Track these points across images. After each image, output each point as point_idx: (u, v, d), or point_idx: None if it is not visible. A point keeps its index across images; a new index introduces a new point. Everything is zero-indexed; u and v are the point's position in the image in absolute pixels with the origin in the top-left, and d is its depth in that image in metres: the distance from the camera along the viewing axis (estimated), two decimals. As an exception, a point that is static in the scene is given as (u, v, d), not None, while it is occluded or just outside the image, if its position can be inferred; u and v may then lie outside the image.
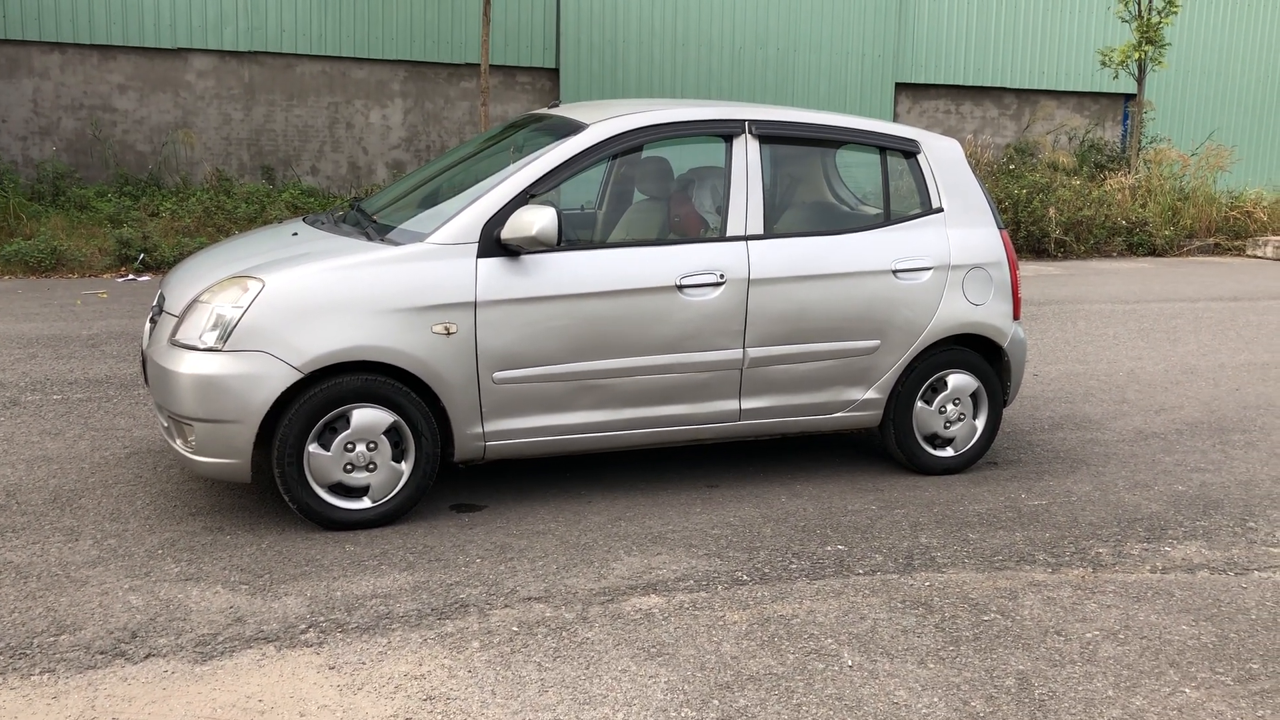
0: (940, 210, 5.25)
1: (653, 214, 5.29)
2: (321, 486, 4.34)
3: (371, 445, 4.35)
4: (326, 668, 3.34)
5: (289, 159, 14.78)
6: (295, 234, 4.87)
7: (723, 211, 4.92)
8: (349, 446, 4.33)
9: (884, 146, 5.27)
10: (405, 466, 4.44)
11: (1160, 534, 4.67)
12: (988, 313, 5.28)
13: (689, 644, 3.55)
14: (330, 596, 3.81)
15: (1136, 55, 15.83)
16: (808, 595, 3.96)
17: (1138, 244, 14.82)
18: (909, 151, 5.29)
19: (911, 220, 5.21)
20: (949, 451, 5.37)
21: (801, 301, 4.91)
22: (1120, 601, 3.98)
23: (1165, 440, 6.10)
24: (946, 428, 5.32)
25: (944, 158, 5.34)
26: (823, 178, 5.56)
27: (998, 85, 18.24)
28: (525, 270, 4.50)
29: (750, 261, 4.82)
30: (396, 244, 4.47)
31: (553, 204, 4.56)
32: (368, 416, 4.33)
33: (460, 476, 5.04)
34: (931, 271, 5.15)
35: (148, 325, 4.71)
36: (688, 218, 5.15)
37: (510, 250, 4.47)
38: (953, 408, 5.31)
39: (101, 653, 3.38)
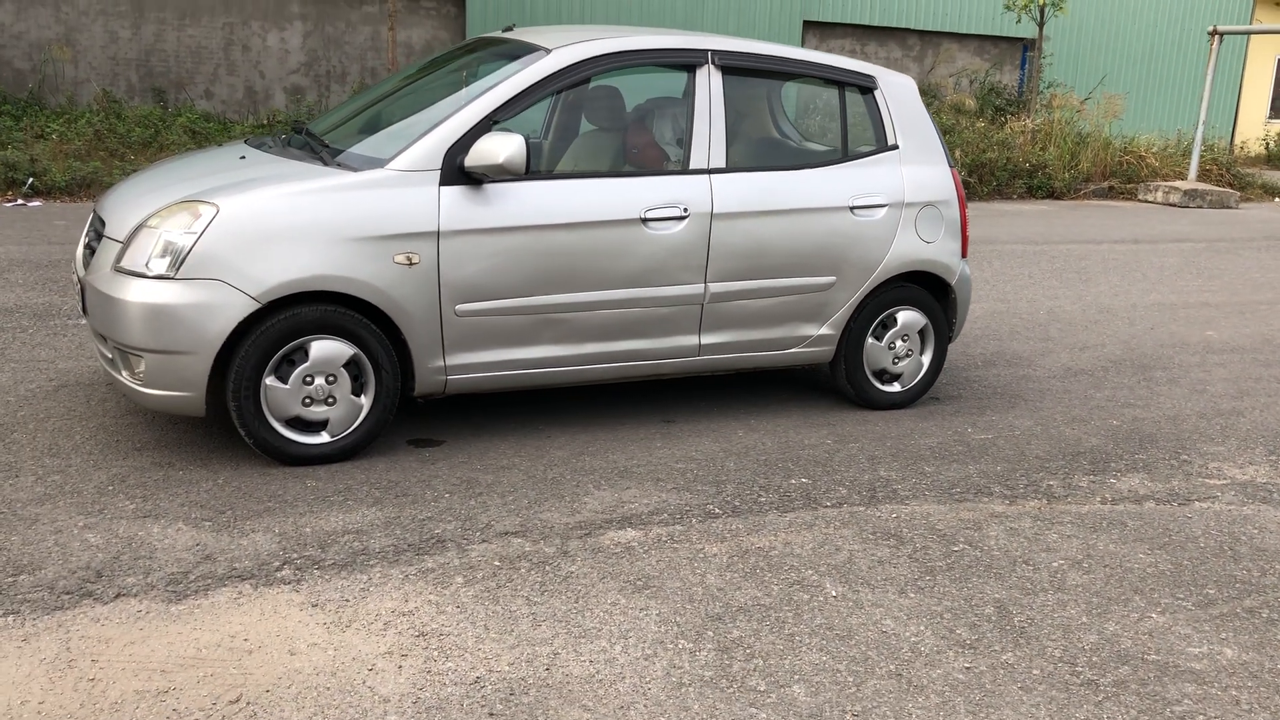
0: (895, 147, 5.27)
1: (608, 146, 5.18)
2: (279, 420, 4.18)
3: (330, 378, 4.21)
4: (309, 605, 3.24)
5: (181, 81, 14.08)
6: (243, 157, 4.63)
7: (685, 144, 4.84)
8: (307, 379, 4.17)
9: (843, 82, 5.25)
10: (365, 400, 4.31)
11: (1104, 467, 4.83)
12: (938, 250, 5.34)
13: (673, 576, 3.55)
14: (300, 533, 3.69)
15: (1040, 0, 16.13)
16: (781, 528, 3.99)
17: (1037, 187, 15.20)
18: (866, 87, 5.28)
19: (868, 157, 5.22)
20: (896, 387, 5.45)
21: (762, 237, 4.88)
22: (1079, 532, 4.11)
23: (1093, 377, 6.30)
24: (895, 363, 5.40)
25: (900, 95, 5.34)
26: (773, 112, 5.52)
27: (902, 26, 18.42)
28: (489, 200, 4.36)
29: (714, 195, 4.76)
30: (354, 169, 4.29)
31: (518, 131, 4.43)
32: (327, 349, 4.18)
33: (414, 412, 4.92)
34: (886, 209, 5.17)
35: (82, 250, 4.45)
36: (646, 149, 5.06)
37: (473, 179, 4.33)
38: (901, 344, 5.38)
39: (67, 593, 3.21)
